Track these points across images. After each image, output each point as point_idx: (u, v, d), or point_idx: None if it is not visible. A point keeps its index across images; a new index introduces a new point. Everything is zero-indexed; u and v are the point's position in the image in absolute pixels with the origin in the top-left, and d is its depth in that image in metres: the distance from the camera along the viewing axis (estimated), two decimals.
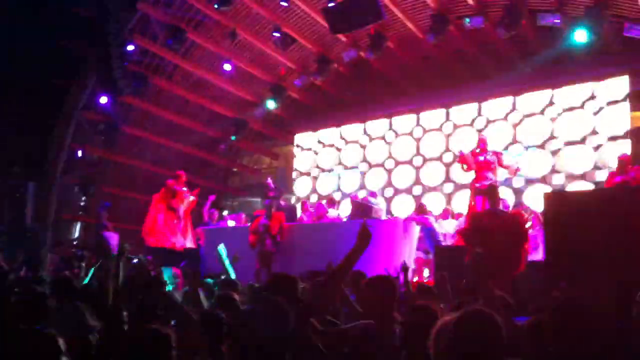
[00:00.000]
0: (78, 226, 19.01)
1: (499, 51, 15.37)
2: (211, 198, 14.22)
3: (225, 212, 15.35)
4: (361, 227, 4.06)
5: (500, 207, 8.41)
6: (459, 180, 15.55)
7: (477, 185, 9.93)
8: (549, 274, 6.78)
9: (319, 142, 19.08)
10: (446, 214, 12.27)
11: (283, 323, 3.36)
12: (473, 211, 9.56)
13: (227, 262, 7.61)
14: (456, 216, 11.98)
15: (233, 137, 18.23)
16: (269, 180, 12.86)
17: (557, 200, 7.12)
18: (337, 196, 16.85)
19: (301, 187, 19.13)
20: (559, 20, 13.11)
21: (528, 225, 9.03)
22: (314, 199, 18.02)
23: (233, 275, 7.74)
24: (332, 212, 12.59)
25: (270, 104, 17.07)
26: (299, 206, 14.60)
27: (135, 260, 9.93)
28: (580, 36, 12.58)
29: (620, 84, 14.20)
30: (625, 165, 9.41)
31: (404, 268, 6.07)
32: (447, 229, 11.36)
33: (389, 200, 16.48)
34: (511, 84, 15.58)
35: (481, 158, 10.00)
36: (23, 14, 16.39)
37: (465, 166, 10.46)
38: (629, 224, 5.93)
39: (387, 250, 10.28)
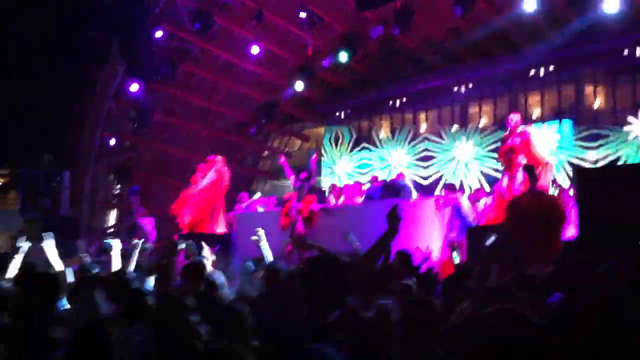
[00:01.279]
0: (113, 214, 19.22)
1: (528, 22, 15.02)
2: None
3: (257, 195, 15.33)
4: (391, 211, 4.02)
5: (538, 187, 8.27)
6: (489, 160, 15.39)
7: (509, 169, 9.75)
8: (584, 253, 6.63)
9: (348, 123, 18.99)
10: (478, 195, 12.09)
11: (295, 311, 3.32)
12: (507, 193, 9.39)
13: (264, 246, 7.58)
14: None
15: (262, 120, 18.18)
16: (282, 159, 12.65)
17: (589, 176, 6.94)
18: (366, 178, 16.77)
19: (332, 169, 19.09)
20: None
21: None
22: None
23: (270, 259, 7.72)
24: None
25: (299, 86, 16.92)
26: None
27: (182, 246, 9.97)
28: (611, 5, 12.20)
29: None
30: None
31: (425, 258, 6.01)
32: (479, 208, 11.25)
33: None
34: (543, 55, 15.28)
35: (509, 141, 9.82)
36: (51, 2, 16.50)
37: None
38: None
39: (418, 231, 10.19)
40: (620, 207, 6.27)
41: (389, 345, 3.74)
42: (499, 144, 11.37)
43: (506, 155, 9.94)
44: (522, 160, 9.47)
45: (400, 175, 12.19)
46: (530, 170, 8.34)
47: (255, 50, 16.12)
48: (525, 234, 7.95)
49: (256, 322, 3.98)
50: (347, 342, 3.39)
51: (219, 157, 13.16)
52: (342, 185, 14.43)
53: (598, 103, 15.26)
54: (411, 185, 11.68)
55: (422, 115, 17.98)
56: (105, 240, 12.05)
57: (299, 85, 16.97)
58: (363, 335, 3.69)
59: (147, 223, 13.83)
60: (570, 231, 9.40)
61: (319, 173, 18.60)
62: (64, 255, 6.73)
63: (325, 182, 18.25)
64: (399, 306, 3.98)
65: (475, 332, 2.15)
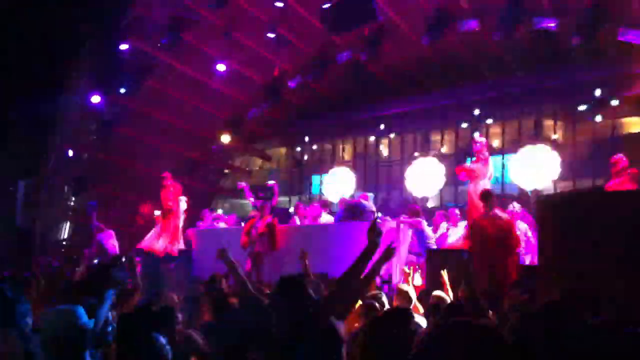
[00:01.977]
0: (67, 226, 18.83)
1: (493, 54, 15.35)
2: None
3: (220, 211, 15.21)
4: (371, 226, 4.03)
5: (496, 211, 8.38)
6: (453, 183, 15.57)
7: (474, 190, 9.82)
8: (543, 279, 6.71)
9: (313, 144, 19.05)
10: (442, 218, 12.20)
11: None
12: (473, 217, 9.49)
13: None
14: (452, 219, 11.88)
15: (224, 138, 18.11)
16: (243, 183, 12.63)
17: (549, 203, 7.04)
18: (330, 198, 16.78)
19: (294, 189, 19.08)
20: (554, 25, 13.08)
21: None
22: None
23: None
24: (324, 216, 12.50)
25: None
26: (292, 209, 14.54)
27: (123, 259, 9.83)
28: (575, 40, 12.55)
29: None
30: (619, 166, 9.29)
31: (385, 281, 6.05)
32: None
33: (382, 202, 16.45)
34: (505, 86, 15.62)
35: (475, 163, 9.95)
36: (13, 13, 16.20)
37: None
38: (624, 227, 5.88)
39: (379, 253, 10.19)
40: (579, 234, 6.36)
41: None
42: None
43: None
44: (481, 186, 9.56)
45: (363, 196, 12.20)
46: (488, 196, 8.48)
47: (221, 68, 16.10)
48: (484, 255, 8.12)
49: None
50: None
51: (167, 174, 13.05)
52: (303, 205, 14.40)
53: (557, 136, 15.59)
54: (373, 207, 11.70)
55: (385, 141, 18.13)
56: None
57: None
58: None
59: (105, 237, 13.59)
60: (528, 258, 9.57)
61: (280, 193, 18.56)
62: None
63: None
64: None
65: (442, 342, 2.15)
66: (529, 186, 13.89)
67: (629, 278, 5.69)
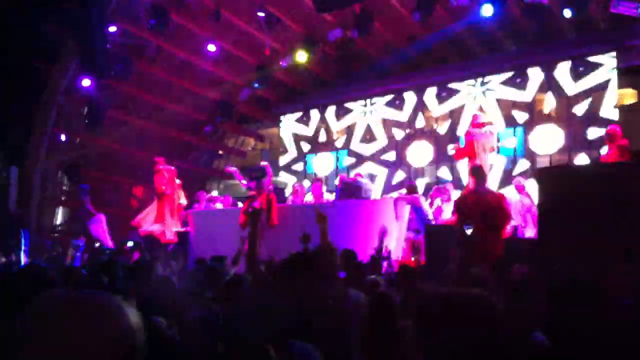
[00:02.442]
0: (60, 211, 18.77)
1: (485, 30, 15.30)
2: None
3: (215, 192, 15.19)
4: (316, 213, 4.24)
5: (486, 187, 8.42)
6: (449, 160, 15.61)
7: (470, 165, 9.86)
8: (543, 252, 6.75)
9: (305, 123, 19.01)
10: (437, 193, 12.24)
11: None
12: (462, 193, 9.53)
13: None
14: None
15: (217, 119, 18.04)
16: (232, 168, 12.64)
17: (549, 176, 7.08)
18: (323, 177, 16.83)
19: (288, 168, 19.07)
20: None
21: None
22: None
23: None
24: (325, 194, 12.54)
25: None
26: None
27: (129, 244, 9.85)
28: (567, 13, 12.54)
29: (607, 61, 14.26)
30: (615, 139, 9.33)
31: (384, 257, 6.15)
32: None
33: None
34: (497, 62, 15.61)
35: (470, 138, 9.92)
36: None
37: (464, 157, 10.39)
38: (623, 199, 5.93)
39: (377, 230, 10.23)
40: (579, 206, 6.40)
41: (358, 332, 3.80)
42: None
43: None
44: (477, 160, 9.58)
45: (359, 174, 12.22)
46: (477, 171, 8.51)
47: (212, 49, 15.99)
48: (471, 231, 8.15)
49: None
50: (323, 335, 3.38)
51: (158, 159, 12.98)
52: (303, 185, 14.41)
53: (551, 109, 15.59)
54: (370, 185, 11.71)
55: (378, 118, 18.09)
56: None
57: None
58: (337, 325, 3.70)
59: (94, 222, 13.57)
60: (530, 231, 9.62)
61: (274, 174, 18.56)
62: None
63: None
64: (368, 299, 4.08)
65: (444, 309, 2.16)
66: None
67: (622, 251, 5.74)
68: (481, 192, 8.06)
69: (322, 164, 18.42)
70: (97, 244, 10.81)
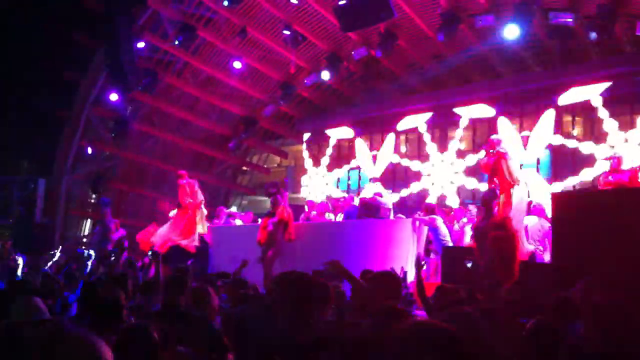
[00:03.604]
0: (87, 223, 19.03)
1: (509, 50, 15.25)
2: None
3: (234, 208, 15.31)
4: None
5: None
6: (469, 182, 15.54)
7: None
8: (558, 275, 6.69)
9: (328, 141, 19.06)
10: (456, 216, 12.20)
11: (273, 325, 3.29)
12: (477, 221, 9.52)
13: None
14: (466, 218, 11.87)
15: (242, 135, 18.18)
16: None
17: (565, 200, 7.03)
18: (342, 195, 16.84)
19: (310, 186, 19.09)
20: (571, 19, 12.96)
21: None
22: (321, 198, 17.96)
23: None
24: (329, 215, 12.58)
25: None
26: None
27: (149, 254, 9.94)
28: (591, 35, 12.45)
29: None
30: (618, 165, 9.38)
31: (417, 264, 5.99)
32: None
33: (399, 201, 16.46)
34: (522, 83, 15.53)
35: (488, 160, 9.77)
36: (31, 6, 16.32)
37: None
38: (633, 225, 5.88)
39: (394, 250, 10.22)
40: (588, 232, 6.35)
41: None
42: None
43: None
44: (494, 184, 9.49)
45: (378, 194, 12.21)
46: (486, 202, 8.59)
47: (237, 65, 16.16)
48: (485, 260, 8.15)
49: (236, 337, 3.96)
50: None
51: (182, 172, 13.06)
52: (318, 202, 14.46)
53: (576, 132, 15.46)
54: (389, 205, 11.71)
55: (402, 137, 18.07)
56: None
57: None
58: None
59: (118, 235, 13.71)
60: (546, 255, 9.51)
61: (297, 190, 18.68)
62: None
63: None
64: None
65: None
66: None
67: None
68: (493, 223, 8.10)
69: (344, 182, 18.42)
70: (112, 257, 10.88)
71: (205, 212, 13.11)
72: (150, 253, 10.22)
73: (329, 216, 12.95)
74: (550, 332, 3.56)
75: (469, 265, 7.97)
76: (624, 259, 5.88)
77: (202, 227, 12.66)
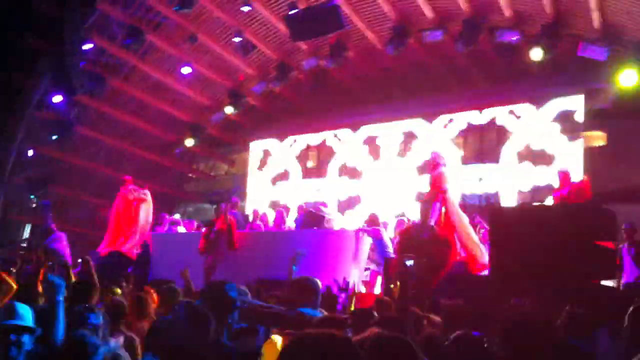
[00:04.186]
0: (28, 227, 18.55)
1: (458, 65, 15.48)
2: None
3: (177, 215, 15.10)
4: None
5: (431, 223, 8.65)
6: (413, 193, 15.62)
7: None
8: (494, 288, 6.76)
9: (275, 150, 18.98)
10: (400, 225, 12.24)
11: (204, 331, 3.24)
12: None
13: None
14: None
15: (188, 142, 17.97)
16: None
17: (501, 215, 7.11)
18: (289, 205, 16.77)
19: (255, 195, 18.97)
20: (517, 37, 13.23)
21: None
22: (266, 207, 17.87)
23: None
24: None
25: (229, 109, 16.92)
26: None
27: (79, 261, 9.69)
28: (536, 54, 12.73)
29: (574, 103, 14.43)
30: (565, 180, 9.60)
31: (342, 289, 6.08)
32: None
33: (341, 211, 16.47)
34: (470, 98, 15.75)
35: (433, 174, 9.84)
36: None
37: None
38: (562, 239, 6.00)
39: (337, 261, 10.21)
40: (522, 247, 6.43)
41: None
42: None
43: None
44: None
45: (322, 203, 12.20)
46: (422, 208, 8.82)
47: (186, 71, 16.00)
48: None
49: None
50: None
51: (127, 178, 12.86)
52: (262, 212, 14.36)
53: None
54: (332, 215, 11.70)
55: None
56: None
57: (229, 109, 16.97)
58: None
59: (60, 238, 13.34)
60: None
61: (242, 199, 18.51)
62: None
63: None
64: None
65: None
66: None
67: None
68: (423, 226, 8.21)
69: (291, 191, 18.36)
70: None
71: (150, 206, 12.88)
72: (80, 259, 10.00)
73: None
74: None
75: (409, 263, 7.97)
76: (544, 272, 6.00)
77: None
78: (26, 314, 3.73)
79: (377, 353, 2.31)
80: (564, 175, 9.67)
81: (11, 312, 3.71)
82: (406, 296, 4.56)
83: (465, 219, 9.38)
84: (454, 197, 9.72)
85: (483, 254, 8.94)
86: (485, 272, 9.20)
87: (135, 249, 12.32)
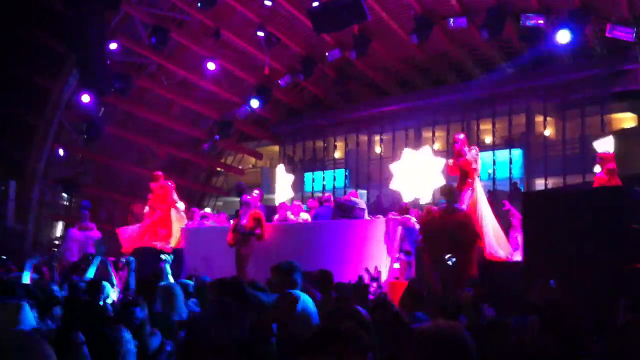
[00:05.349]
0: (60, 226, 18.83)
1: (482, 53, 15.39)
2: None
3: (208, 209, 15.23)
4: None
5: (454, 206, 8.54)
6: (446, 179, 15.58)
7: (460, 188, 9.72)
8: (528, 273, 6.75)
9: (303, 142, 19.04)
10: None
11: (236, 326, 3.27)
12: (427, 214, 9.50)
13: None
14: None
15: (216, 137, 18.10)
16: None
17: (536, 200, 7.10)
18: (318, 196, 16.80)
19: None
20: (542, 22, 13.10)
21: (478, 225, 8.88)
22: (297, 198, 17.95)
23: None
24: (303, 215, 12.52)
25: (254, 103, 17.01)
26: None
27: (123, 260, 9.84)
28: (563, 37, 12.59)
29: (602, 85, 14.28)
30: (605, 162, 9.31)
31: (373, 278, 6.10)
32: None
33: (374, 199, 16.49)
34: (494, 85, 15.66)
35: (460, 159, 9.76)
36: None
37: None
38: (598, 223, 5.96)
39: (369, 251, 10.23)
40: (557, 231, 6.41)
41: None
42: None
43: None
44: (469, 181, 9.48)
45: (353, 193, 12.18)
46: (446, 190, 8.68)
47: (211, 67, 16.09)
48: (434, 252, 8.21)
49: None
50: None
51: (159, 174, 13.01)
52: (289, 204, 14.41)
53: (548, 132, 15.64)
54: (363, 205, 11.71)
55: (377, 138, 18.15)
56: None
57: (254, 103, 17.05)
58: None
59: (95, 237, 13.56)
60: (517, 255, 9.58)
61: (272, 191, 18.61)
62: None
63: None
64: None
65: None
66: (408, 195, 12.95)
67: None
68: (448, 211, 8.14)
69: (319, 182, 18.43)
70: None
71: (182, 212, 13.08)
72: (124, 260, 10.14)
73: (305, 216, 12.88)
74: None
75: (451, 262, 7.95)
76: (582, 259, 5.97)
77: (178, 226, 12.69)
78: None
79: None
80: (603, 158, 9.39)
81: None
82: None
83: (489, 210, 9.30)
84: (481, 184, 9.64)
85: (504, 248, 8.89)
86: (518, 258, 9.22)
87: (169, 244, 12.48)
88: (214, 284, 4.79)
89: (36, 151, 16.91)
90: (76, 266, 8.85)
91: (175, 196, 12.86)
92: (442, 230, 8.04)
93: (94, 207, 16.30)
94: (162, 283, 5.97)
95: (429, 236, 8.53)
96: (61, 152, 16.75)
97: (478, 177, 9.46)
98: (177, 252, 12.38)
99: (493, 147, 16.19)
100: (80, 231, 12.98)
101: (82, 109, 15.94)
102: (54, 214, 18.34)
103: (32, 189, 16.92)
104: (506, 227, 9.95)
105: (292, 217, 12.25)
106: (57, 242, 17.81)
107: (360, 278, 8.64)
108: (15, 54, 16.26)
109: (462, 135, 9.98)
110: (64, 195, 17.61)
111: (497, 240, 8.96)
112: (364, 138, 18.75)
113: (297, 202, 13.18)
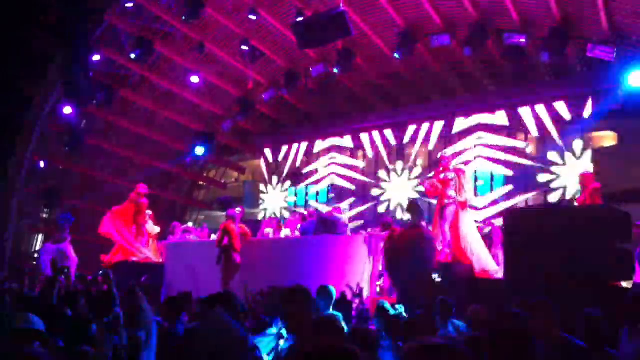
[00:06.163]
0: (40, 237, 18.61)
1: (465, 69, 15.52)
2: None
3: (190, 223, 15.18)
4: None
5: (423, 223, 8.73)
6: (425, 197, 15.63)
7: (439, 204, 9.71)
8: (508, 289, 6.79)
9: (286, 156, 19.02)
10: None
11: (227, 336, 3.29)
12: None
13: None
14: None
15: (199, 150, 18.03)
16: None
17: (517, 217, 7.15)
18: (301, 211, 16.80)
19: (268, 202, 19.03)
20: (524, 40, 13.24)
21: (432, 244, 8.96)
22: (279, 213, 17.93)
23: None
24: (285, 231, 12.54)
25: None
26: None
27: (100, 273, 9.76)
28: (544, 56, 12.74)
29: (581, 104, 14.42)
30: (587, 182, 9.37)
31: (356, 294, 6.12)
32: None
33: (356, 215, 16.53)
34: (477, 101, 15.77)
35: (442, 176, 9.77)
36: None
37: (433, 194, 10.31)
38: (578, 241, 6.01)
39: (351, 267, 10.23)
40: (537, 248, 6.45)
41: None
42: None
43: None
44: (449, 199, 9.50)
45: (336, 210, 12.19)
46: (411, 208, 8.84)
47: (195, 80, 16.09)
48: (392, 270, 8.35)
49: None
50: None
51: (143, 186, 12.96)
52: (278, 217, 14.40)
53: (530, 150, 15.73)
54: (346, 220, 11.74)
55: (360, 153, 18.17)
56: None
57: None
58: None
59: (69, 248, 13.43)
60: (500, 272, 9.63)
61: (255, 205, 18.62)
62: None
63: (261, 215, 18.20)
64: None
65: None
66: None
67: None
68: (409, 227, 8.32)
69: (302, 197, 18.41)
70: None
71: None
72: (101, 272, 10.05)
73: (285, 232, 12.87)
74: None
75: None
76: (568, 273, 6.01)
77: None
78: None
79: None
80: (583, 178, 9.46)
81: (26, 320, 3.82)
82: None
83: (473, 226, 9.36)
84: (466, 199, 9.65)
85: (485, 261, 8.96)
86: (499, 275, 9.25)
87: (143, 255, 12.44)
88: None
89: (17, 161, 16.73)
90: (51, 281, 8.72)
91: (147, 217, 12.84)
92: (400, 247, 8.18)
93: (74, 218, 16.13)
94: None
95: (388, 255, 8.69)
96: (42, 163, 16.58)
97: (463, 195, 9.45)
98: (155, 267, 12.33)
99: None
100: (54, 244, 12.84)
101: (63, 119, 15.83)
102: (33, 226, 18.13)
103: (11, 201, 16.72)
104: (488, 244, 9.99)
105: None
106: (35, 255, 17.61)
107: (343, 294, 8.63)
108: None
109: (447, 152, 10.04)
110: (45, 207, 17.40)
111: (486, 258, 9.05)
112: (347, 153, 18.76)
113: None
